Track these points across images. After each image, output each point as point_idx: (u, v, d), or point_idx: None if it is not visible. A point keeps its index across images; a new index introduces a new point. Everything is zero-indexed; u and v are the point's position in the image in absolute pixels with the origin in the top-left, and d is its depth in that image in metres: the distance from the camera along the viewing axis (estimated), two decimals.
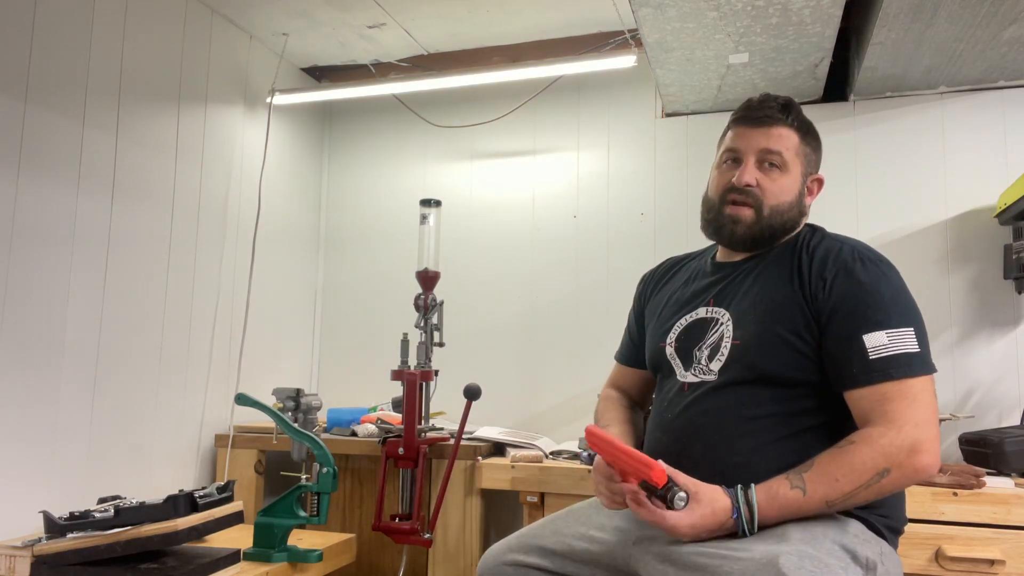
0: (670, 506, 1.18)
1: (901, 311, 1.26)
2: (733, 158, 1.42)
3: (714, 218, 1.42)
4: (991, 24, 1.96)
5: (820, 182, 1.47)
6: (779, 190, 1.38)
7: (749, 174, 1.38)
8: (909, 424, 1.18)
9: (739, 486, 1.20)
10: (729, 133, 1.45)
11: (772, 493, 1.19)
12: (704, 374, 1.38)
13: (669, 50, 2.18)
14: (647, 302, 1.63)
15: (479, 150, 2.98)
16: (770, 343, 1.29)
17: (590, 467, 2.11)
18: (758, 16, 1.97)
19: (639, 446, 1.49)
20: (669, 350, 1.46)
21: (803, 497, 1.17)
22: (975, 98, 2.43)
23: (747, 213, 1.38)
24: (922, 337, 1.24)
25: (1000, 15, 1.91)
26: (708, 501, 1.18)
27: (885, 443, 1.17)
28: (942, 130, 2.46)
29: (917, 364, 1.22)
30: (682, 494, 1.18)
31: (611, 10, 2.55)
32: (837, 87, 2.50)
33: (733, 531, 1.19)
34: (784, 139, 1.39)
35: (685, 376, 1.41)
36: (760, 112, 1.40)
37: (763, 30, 2.04)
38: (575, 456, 2.29)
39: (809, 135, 1.44)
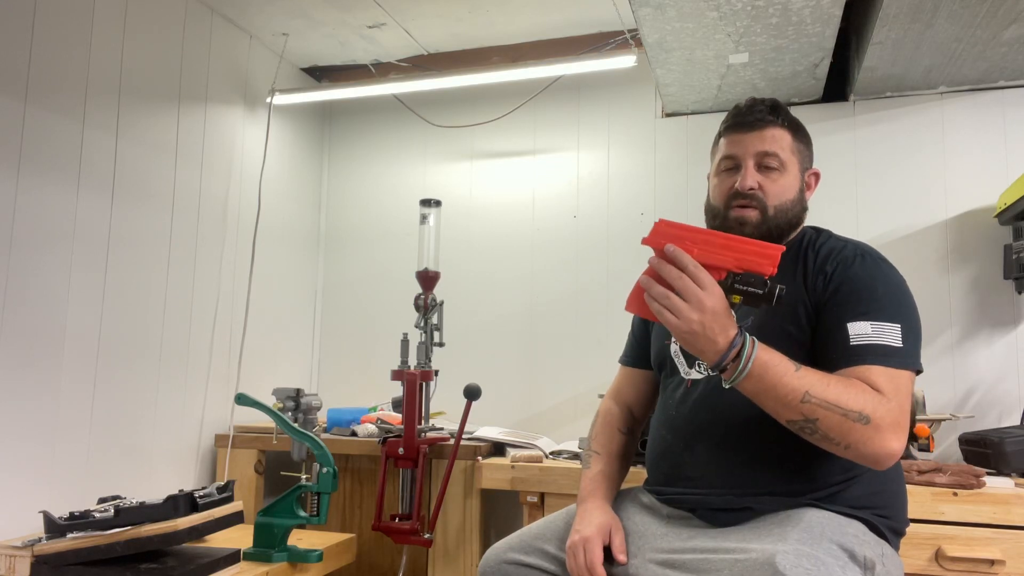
0: (775, 300, 1.13)
1: (892, 307, 1.26)
2: (732, 165, 1.42)
3: (720, 224, 1.42)
4: (991, 24, 1.96)
5: (817, 176, 1.49)
6: (781, 190, 1.39)
7: (751, 178, 1.38)
8: (895, 401, 1.17)
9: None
10: (723, 140, 1.46)
11: (770, 350, 1.16)
12: (709, 370, 1.38)
13: (669, 50, 2.18)
14: None
15: (479, 150, 2.98)
16: (769, 336, 1.29)
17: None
18: (758, 16, 1.97)
19: (615, 490, 1.49)
20: (674, 347, 1.47)
21: (793, 371, 1.14)
22: (975, 98, 2.43)
23: (753, 215, 1.38)
24: (909, 337, 1.23)
25: (1000, 15, 1.91)
26: (729, 315, 1.14)
27: (878, 400, 1.16)
28: (942, 130, 2.46)
29: (895, 357, 1.21)
30: (782, 287, 1.14)
31: (611, 10, 2.55)
32: (837, 87, 2.51)
33: (722, 350, 1.13)
34: (778, 140, 1.40)
35: (689, 373, 1.42)
36: (751, 116, 1.41)
37: (763, 30, 2.04)
38: (575, 456, 2.29)
39: (800, 132, 1.45)
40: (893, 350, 1.21)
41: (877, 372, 1.19)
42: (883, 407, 1.15)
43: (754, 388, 1.15)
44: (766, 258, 1.15)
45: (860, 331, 1.23)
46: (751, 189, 1.38)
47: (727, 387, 1.17)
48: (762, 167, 1.39)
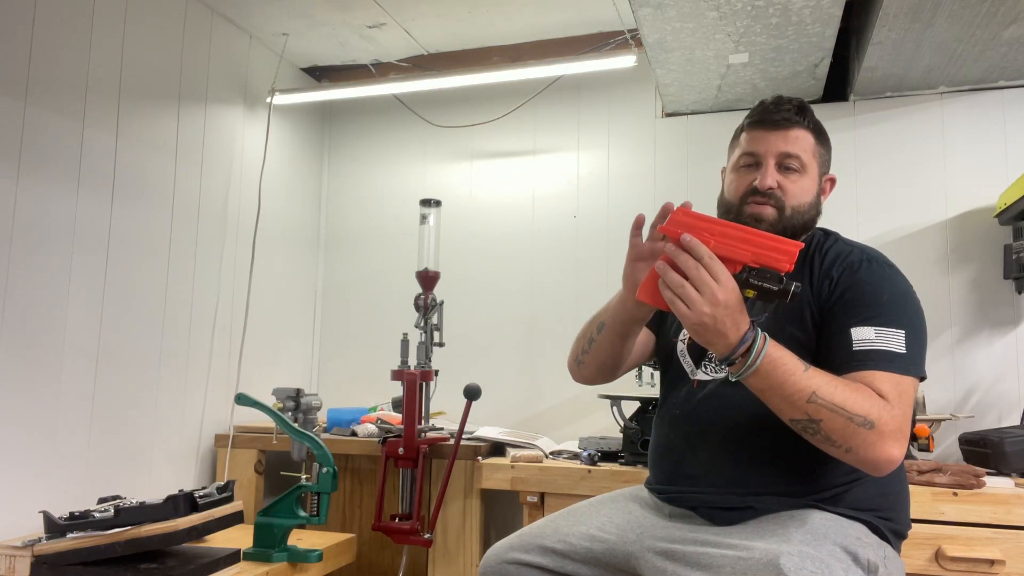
0: (790, 297, 1.11)
1: (896, 312, 1.25)
2: (752, 162, 1.41)
3: (734, 219, 1.41)
4: (991, 24, 1.96)
5: (833, 181, 1.48)
6: (799, 192, 1.38)
7: (771, 177, 1.37)
8: (899, 408, 1.16)
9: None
10: (744, 135, 1.44)
11: (781, 347, 1.15)
12: (715, 372, 1.38)
13: (669, 50, 2.18)
14: None
15: (479, 150, 2.98)
16: (774, 338, 1.29)
17: (590, 467, 2.13)
18: (758, 16, 1.97)
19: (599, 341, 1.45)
20: (680, 346, 1.46)
21: (801, 370, 1.13)
22: (975, 98, 2.43)
23: (769, 212, 1.37)
24: (913, 342, 1.23)
25: (1000, 15, 1.91)
26: (742, 309, 1.13)
27: (883, 405, 1.15)
28: (942, 130, 2.46)
29: (898, 363, 1.20)
30: (798, 284, 1.12)
31: (611, 10, 2.55)
32: (837, 87, 2.51)
33: (732, 344, 1.12)
34: (801, 141, 1.39)
35: (695, 374, 1.42)
36: (777, 115, 1.40)
37: (763, 30, 2.04)
38: (575, 456, 2.29)
39: (822, 136, 1.44)
40: (896, 356, 1.21)
41: (880, 378, 1.18)
42: (887, 413, 1.14)
43: (760, 384, 1.15)
44: (783, 254, 1.13)
45: (864, 336, 1.22)
46: (770, 188, 1.37)
47: (733, 380, 1.17)
48: (782, 167, 1.38)
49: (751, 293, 1.14)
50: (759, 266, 1.13)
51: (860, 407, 1.13)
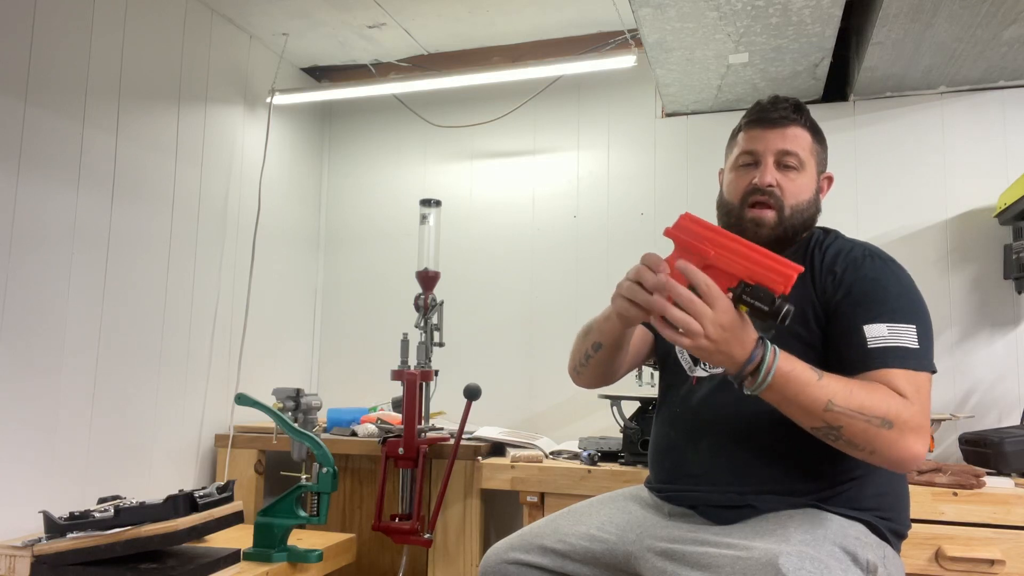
0: (780, 319, 1.09)
1: (905, 308, 1.25)
2: (751, 161, 1.41)
3: (735, 222, 1.41)
4: (991, 24, 1.96)
5: (830, 179, 1.49)
6: (798, 190, 1.38)
7: (770, 175, 1.37)
8: (917, 405, 1.16)
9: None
10: (742, 135, 1.44)
11: (792, 359, 1.14)
12: (713, 368, 1.38)
13: (669, 50, 2.18)
14: None
15: (479, 150, 2.98)
16: (778, 338, 1.29)
17: (590, 467, 2.13)
18: (758, 16, 1.97)
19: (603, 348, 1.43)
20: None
21: (816, 380, 1.12)
22: (975, 98, 2.43)
23: (770, 215, 1.37)
24: (924, 337, 1.23)
25: (1000, 15, 1.91)
26: (745, 326, 1.11)
27: (901, 403, 1.15)
28: (942, 130, 2.46)
29: (913, 359, 1.21)
30: (790, 308, 1.10)
31: (611, 10, 2.55)
32: (837, 87, 2.51)
33: (740, 363, 1.11)
34: (799, 139, 1.39)
35: (695, 371, 1.42)
36: (775, 113, 1.40)
37: (763, 30, 2.04)
38: (575, 456, 2.29)
39: (819, 134, 1.44)
40: (911, 352, 1.21)
41: (897, 375, 1.18)
42: (906, 411, 1.14)
43: (776, 397, 1.15)
44: (781, 276, 1.11)
45: (877, 333, 1.22)
46: (769, 186, 1.37)
47: (748, 394, 1.16)
48: (781, 165, 1.39)
49: (744, 309, 1.13)
50: (755, 284, 1.12)
51: (878, 409, 1.13)
